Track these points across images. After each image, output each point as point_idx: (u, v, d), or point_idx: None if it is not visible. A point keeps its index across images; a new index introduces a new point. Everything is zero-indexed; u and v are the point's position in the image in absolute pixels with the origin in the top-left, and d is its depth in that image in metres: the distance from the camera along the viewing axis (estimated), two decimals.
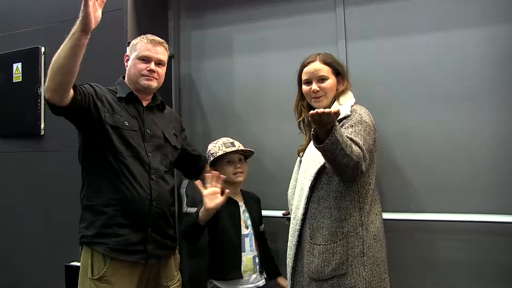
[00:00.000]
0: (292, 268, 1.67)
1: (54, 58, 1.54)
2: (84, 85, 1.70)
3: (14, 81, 2.47)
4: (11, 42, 2.53)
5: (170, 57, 2.36)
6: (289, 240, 1.70)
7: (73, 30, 1.53)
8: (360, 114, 1.61)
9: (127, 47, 1.94)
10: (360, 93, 1.97)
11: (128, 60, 1.86)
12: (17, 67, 2.47)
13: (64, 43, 1.54)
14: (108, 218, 1.68)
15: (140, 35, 2.19)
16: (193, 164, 2.07)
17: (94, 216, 1.70)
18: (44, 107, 2.38)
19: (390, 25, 1.98)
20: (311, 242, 1.60)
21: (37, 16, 2.47)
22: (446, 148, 1.85)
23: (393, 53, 1.96)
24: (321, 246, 1.57)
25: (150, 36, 1.85)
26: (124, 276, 1.67)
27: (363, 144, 1.50)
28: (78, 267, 2.15)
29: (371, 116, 1.65)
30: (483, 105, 1.81)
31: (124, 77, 1.89)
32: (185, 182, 2.39)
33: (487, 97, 1.80)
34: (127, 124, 1.73)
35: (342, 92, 1.74)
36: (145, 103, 1.84)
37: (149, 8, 2.32)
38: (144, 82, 1.80)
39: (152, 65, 1.81)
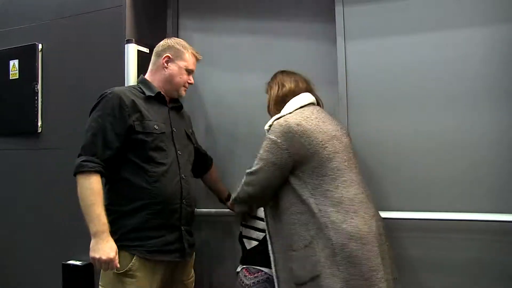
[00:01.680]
0: (277, 277, 1.68)
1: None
2: (107, 149, 1.68)
3: (10, 78, 2.45)
4: (7, 38, 2.51)
5: None
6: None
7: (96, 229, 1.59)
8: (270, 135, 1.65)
9: (153, 51, 1.93)
10: (359, 93, 1.99)
11: (168, 62, 1.87)
12: (14, 64, 2.45)
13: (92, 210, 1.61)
14: (142, 221, 1.68)
15: (138, 33, 2.20)
16: (202, 162, 2.10)
17: (125, 221, 1.69)
18: (42, 104, 2.37)
19: (390, 25, 1.97)
20: (286, 250, 1.63)
21: (34, 12, 2.45)
22: (446, 147, 1.84)
23: (393, 53, 1.95)
24: (295, 252, 1.59)
25: (194, 49, 1.93)
26: (148, 271, 1.68)
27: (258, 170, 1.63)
28: (75, 265, 2.20)
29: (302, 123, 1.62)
30: (484, 105, 1.80)
31: (144, 75, 1.91)
32: None
33: (488, 96, 1.80)
34: (157, 128, 1.75)
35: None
36: (169, 104, 1.90)
37: (148, 6, 2.31)
38: (182, 92, 1.91)
39: (191, 78, 1.93)
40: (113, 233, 1.62)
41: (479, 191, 1.79)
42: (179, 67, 1.87)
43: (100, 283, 1.70)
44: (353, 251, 1.51)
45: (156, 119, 1.77)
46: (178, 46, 1.89)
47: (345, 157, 1.64)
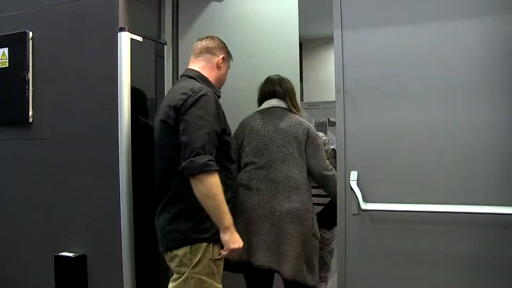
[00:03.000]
0: None
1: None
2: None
3: (0, 66, 2.40)
4: None
5: (162, 45, 2.33)
6: None
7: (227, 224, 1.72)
8: None
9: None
10: (355, 84, 1.96)
11: (222, 63, 1.98)
12: (3, 52, 2.39)
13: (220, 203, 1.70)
14: None
15: (132, 21, 2.16)
16: None
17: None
18: (32, 94, 2.32)
19: (388, 16, 1.94)
20: None
21: None
22: (444, 140, 1.83)
23: (391, 44, 1.93)
24: None
25: None
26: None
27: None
28: (67, 257, 2.18)
29: None
30: (481, 97, 1.78)
31: (201, 74, 1.93)
32: None
33: (486, 89, 1.78)
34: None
35: None
36: None
37: None
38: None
39: None
40: (210, 228, 1.75)
41: (476, 184, 1.78)
42: (227, 69, 2.03)
43: (194, 272, 1.75)
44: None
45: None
46: (227, 49, 2.03)
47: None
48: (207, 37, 1.99)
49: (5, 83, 2.39)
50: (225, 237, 1.72)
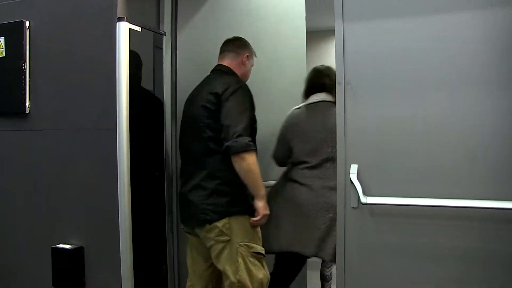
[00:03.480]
0: None
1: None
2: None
3: None
4: None
5: (161, 35, 2.31)
6: None
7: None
8: None
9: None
10: (356, 76, 1.95)
11: (247, 60, 2.24)
12: (0, 42, 2.36)
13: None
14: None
15: (131, 11, 2.13)
16: None
17: (242, 190, 2.04)
18: (30, 84, 2.29)
19: (389, 7, 1.92)
20: None
21: None
22: (444, 133, 1.82)
23: (393, 36, 1.90)
24: None
25: None
26: None
27: None
28: (65, 249, 2.17)
29: None
30: (482, 90, 1.77)
31: (231, 69, 2.19)
32: None
33: (487, 81, 1.76)
34: None
35: None
36: None
37: None
38: None
39: None
40: (245, 201, 2.05)
41: (477, 178, 1.77)
42: (251, 66, 2.27)
43: (240, 240, 2.01)
44: None
45: None
46: (251, 47, 2.27)
47: None
48: (233, 37, 2.25)
49: (1, 73, 2.36)
50: (260, 204, 2.03)
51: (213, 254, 2.05)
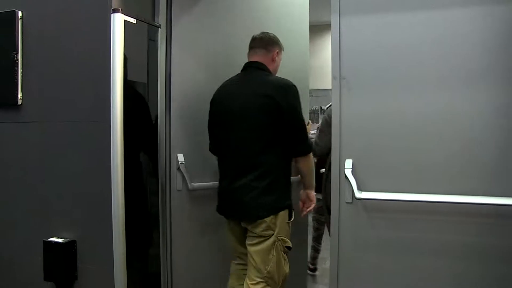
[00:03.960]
0: None
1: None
2: None
3: None
4: None
5: (156, 27, 2.28)
6: None
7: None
8: None
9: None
10: (352, 71, 1.94)
11: (277, 56, 2.29)
12: None
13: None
14: None
15: (125, 2, 2.11)
16: None
17: (287, 187, 2.21)
18: (22, 76, 2.26)
19: (386, 1, 1.92)
20: None
21: None
22: (440, 128, 1.83)
23: (389, 31, 1.91)
24: None
25: None
26: None
27: None
28: (57, 243, 2.15)
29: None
30: (479, 85, 1.78)
31: (265, 66, 2.23)
32: (181, 156, 2.38)
33: (484, 77, 1.77)
34: None
35: None
36: None
37: None
38: None
39: None
40: (288, 198, 2.19)
41: (472, 173, 1.78)
42: (280, 61, 2.32)
43: (278, 235, 2.11)
44: None
45: None
46: (280, 43, 2.31)
47: None
48: (262, 33, 2.28)
49: None
50: (311, 193, 2.34)
51: (250, 241, 2.15)
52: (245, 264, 2.23)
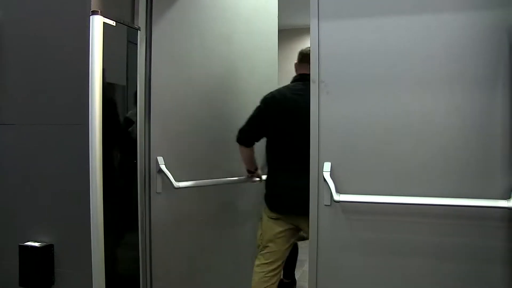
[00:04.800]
0: None
1: None
2: None
3: None
4: None
5: (136, 30, 2.28)
6: None
7: None
8: None
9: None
10: (331, 74, 1.97)
11: None
12: None
13: None
14: None
15: (105, 4, 2.09)
16: None
17: None
18: None
19: (365, 5, 1.94)
20: None
21: None
22: (418, 131, 1.85)
23: (368, 34, 1.93)
24: None
25: None
26: None
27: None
28: (33, 247, 2.11)
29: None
30: (456, 88, 1.81)
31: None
32: (161, 158, 2.36)
33: (460, 80, 1.80)
34: None
35: None
36: None
37: None
38: None
39: None
40: None
41: (450, 176, 1.82)
42: None
43: None
44: None
45: None
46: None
47: None
48: (308, 48, 2.34)
49: None
50: None
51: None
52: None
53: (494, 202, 1.72)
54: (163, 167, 2.34)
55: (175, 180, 2.36)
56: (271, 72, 2.96)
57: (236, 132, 2.61)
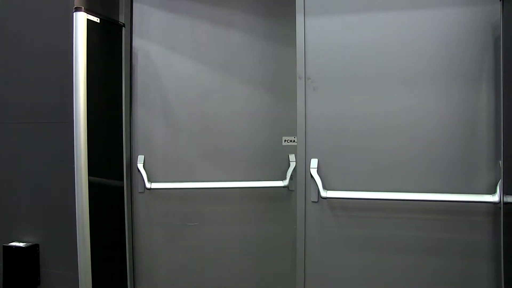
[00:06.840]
0: None
1: None
2: None
3: None
4: None
5: (120, 26, 2.25)
6: None
7: None
8: None
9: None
10: (317, 71, 1.97)
11: None
12: None
13: None
14: None
15: (88, 1, 2.06)
16: None
17: None
18: None
19: (351, 3, 1.94)
20: None
21: None
22: (404, 128, 1.86)
23: (353, 32, 1.93)
24: None
25: None
26: None
27: None
28: (18, 247, 2.09)
29: None
30: (441, 86, 1.82)
31: None
32: (141, 157, 2.32)
33: (446, 78, 1.82)
34: None
35: None
36: None
37: None
38: None
39: None
40: None
41: (434, 171, 1.83)
42: None
43: None
44: None
45: None
46: None
47: None
48: None
49: None
50: None
51: None
52: None
53: (480, 196, 1.74)
54: (140, 166, 2.31)
55: (156, 179, 2.33)
56: None
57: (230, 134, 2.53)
